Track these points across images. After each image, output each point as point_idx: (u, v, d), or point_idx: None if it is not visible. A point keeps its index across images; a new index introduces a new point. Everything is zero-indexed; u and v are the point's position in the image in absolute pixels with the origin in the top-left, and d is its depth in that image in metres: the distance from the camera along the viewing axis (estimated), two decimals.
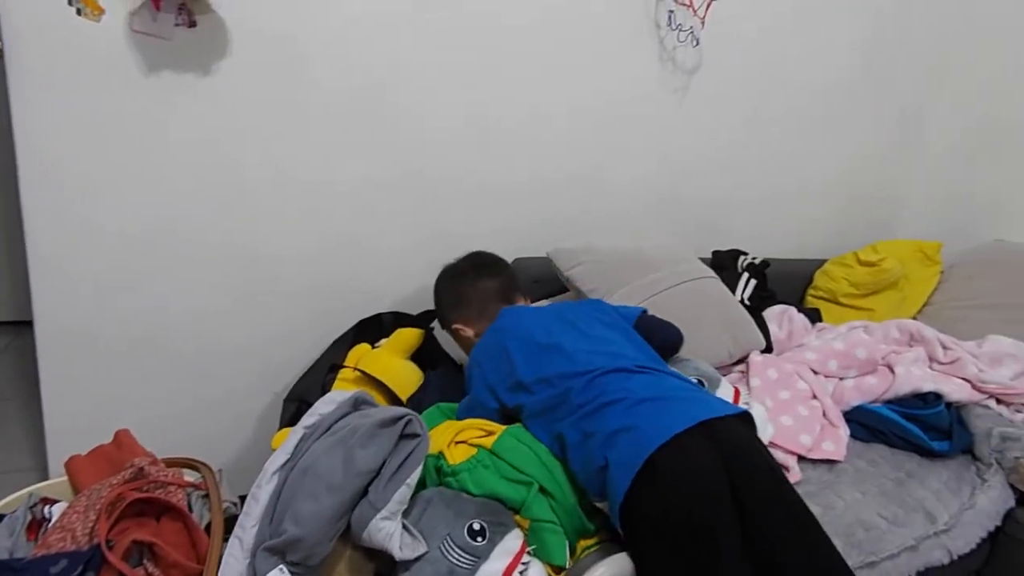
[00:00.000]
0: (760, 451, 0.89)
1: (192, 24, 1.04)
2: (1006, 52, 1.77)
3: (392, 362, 1.26)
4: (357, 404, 0.94)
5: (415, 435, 0.86)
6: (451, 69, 1.32)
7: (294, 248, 1.32)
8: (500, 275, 1.21)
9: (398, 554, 0.80)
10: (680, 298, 1.22)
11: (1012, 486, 1.14)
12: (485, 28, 1.32)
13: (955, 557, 1.05)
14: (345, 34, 1.21)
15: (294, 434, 0.91)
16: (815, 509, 1.03)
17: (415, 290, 1.44)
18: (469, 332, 1.18)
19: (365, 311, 1.37)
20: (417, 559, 0.82)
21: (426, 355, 1.34)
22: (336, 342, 1.35)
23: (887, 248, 1.71)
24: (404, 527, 0.83)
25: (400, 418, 0.86)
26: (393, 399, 1.19)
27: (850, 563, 0.98)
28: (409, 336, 1.30)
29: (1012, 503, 1.13)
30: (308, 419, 0.93)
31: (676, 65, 1.52)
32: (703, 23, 1.46)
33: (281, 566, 0.79)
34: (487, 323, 1.12)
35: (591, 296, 1.27)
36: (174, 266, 1.23)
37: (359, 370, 1.21)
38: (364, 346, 1.32)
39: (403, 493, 0.82)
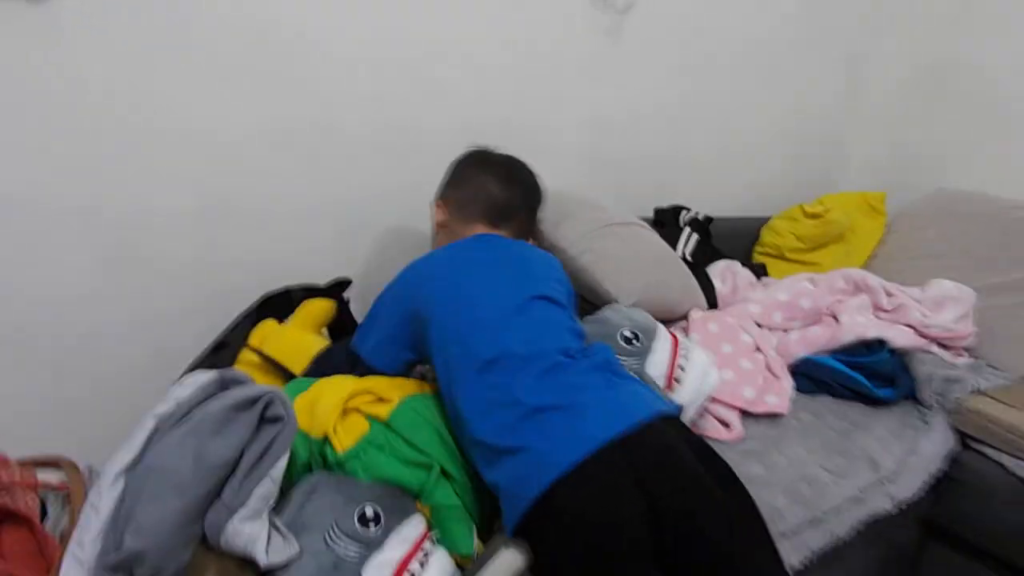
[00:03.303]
0: (684, 464, 0.73)
1: None
2: None
3: (297, 339, 1.17)
4: (225, 384, 0.83)
5: (278, 418, 0.77)
6: (361, 23, 1.20)
7: (176, 215, 1.19)
8: (513, 189, 1.07)
9: (263, 560, 0.71)
10: (614, 240, 1.16)
11: (955, 428, 1.14)
12: None
13: (899, 504, 1.04)
14: None
15: (142, 427, 0.79)
16: (757, 469, 1.02)
17: (326, 261, 1.34)
18: (441, 216, 1.09)
19: (270, 287, 1.27)
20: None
21: (340, 330, 1.25)
22: (237, 320, 1.24)
23: (833, 201, 1.72)
24: (274, 526, 0.74)
25: (258, 399, 0.76)
26: None
27: (794, 520, 0.97)
28: (318, 309, 1.21)
29: (956, 446, 1.13)
30: (160, 408, 0.80)
31: (607, 3, 1.46)
32: None
33: None
34: (461, 227, 1.04)
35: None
36: (23, 242, 1.08)
37: (257, 351, 1.11)
38: (270, 323, 1.22)
39: (266, 488, 0.73)
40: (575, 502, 0.69)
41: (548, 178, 1.54)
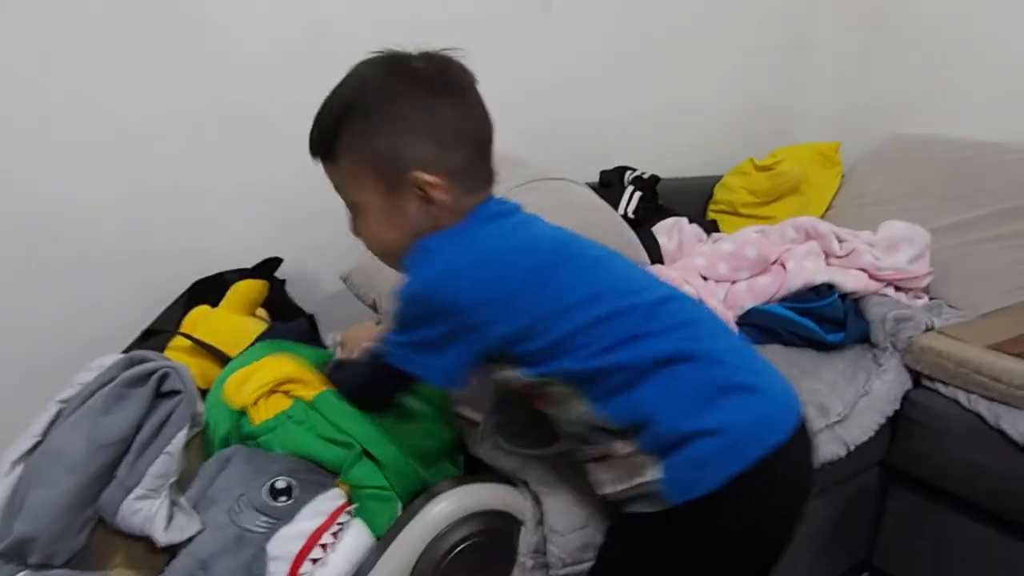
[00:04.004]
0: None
1: None
2: None
3: (229, 321, 1.14)
4: (134, 365, 0.80)
5: (175, 392, 0.74)
6: None
7: (94, 200, 1.16)
8: (480, 111, 0.71)
9: (162, 538, 0.68)
10: (539, 194, 1.12)
11: (908, 368, 1.12)
12: None
13: (852, 448, 1.02)
14: None
15: (45, 412, 0.77)
16: None
17: (259, 244, 1.30)
18: (443, 196, 0.66)
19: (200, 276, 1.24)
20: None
21: (274, 311, 1.22)
22: (167, 308, 1.21)
23: (785, 153, 1.69)
24: (174, 503, 0.72)
25: (152, 373, 0.74)
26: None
27: None
28: (249, 289, 1.17)
29: (909, 385, 1.11)
30: (64, 392, 0.79)
31: None
32: None
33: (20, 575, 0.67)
34: (473, 200, 0.69)
35: None
36: None
37: (187, 336, 1.08)
38: (202, 308, 1.18)
39: (163, 464, 0.70)
40: (762, 491, 0.63)
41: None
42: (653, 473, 0.64)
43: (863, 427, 1.04)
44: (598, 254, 0.73)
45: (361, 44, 1.35)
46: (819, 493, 0.98)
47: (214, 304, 1.19)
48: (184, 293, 1.22)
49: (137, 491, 0.70)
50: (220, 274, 1.25)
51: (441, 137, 0.67)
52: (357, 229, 0.76)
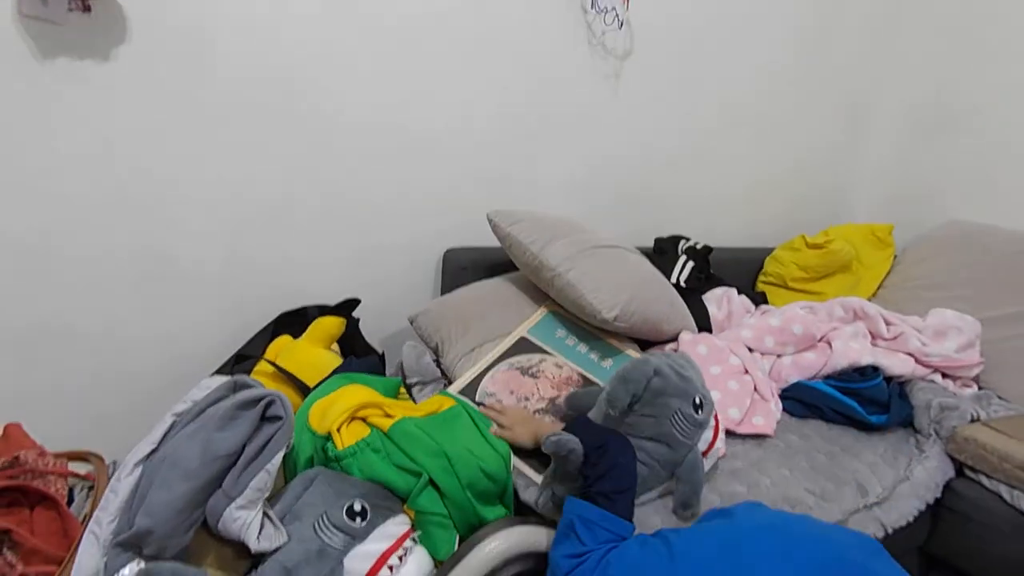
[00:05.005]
0: None
1: (87, 8, 1.06)
2: (947, 29, 1.85)
3: (309, 352, 1.27)
4: (237, 388, 0.94)
5: (277, 417, 0.86)
6: (367, 68, 1.33)
7: (201, 261, 1.32)
8: None
9: (254, 545, 0.79)
10: (600, 259, 1.23)
11: (951, 457, 1.14)
12: (403, 17, 1.34)
13: (889, 531, 1.04)
14: (254, 24, 1.22)
15: (162, 423, 0.91)
16: (740, 488, 1.05)
17: (334, 287, 1.45)
18: None
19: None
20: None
21: (348, 346, 1.36)
22: (255, 335, 1.36)
23: (838, 232, 1.75)
24: (267, 516, 0.83)
25: (261, 399, 0.86)
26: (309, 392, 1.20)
27: None
28: (328, 325, 1.32)
29: (951, 473, 1.13)
30: (179, 406, 0.92)
31: (607, 51, 1.58)
32: (627, 3, 1.52)
33: (131, 564, 0.78)
34: None
35: (527, 250, 1.22)
36: (67, 269, 1.21)
37: (271, 363, 1.22)
38: (285, 338, 1.33)
39: (262, 480, 0.82)
40: None
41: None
42: None
43: (902, 511, 1.06)
44: None
45: (440, 141, 1.49)
46: None
47: (296, 335, 1.34)
48: (270, 323, 1.38)
49: (239, 501, 0.82)
50: (304, 308, 1.41)
51: None
52: None
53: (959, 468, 1.13)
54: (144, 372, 1.35)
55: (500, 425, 1.02)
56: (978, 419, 1.17)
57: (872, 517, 1.04)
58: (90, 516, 0.90)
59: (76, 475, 0.98)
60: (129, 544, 0.80)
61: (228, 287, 1.38)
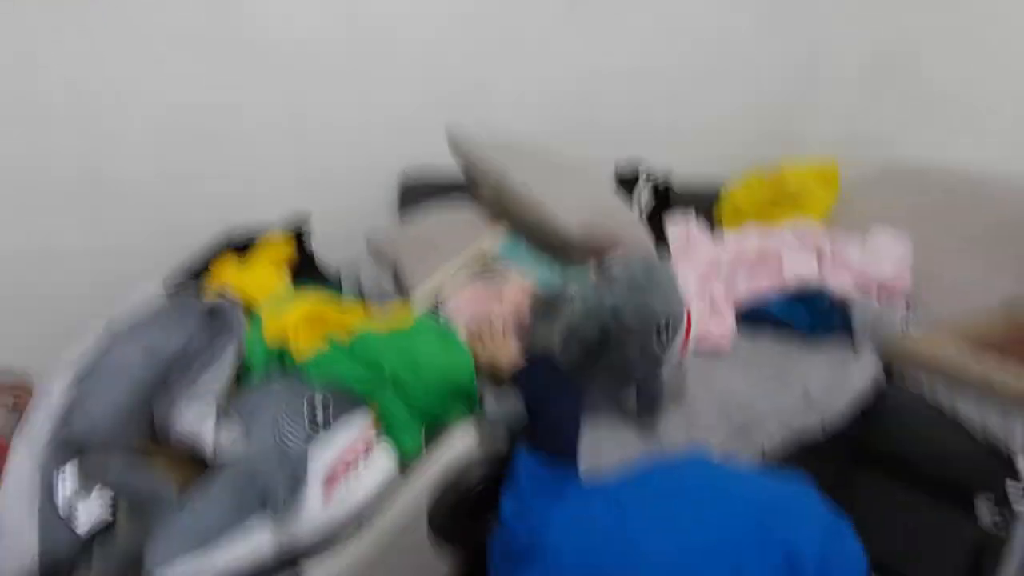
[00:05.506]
0: None
1: None
2: None
3: (257, 274, 1.22)
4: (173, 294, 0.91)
5: (224, 315, 0.84)
6: None
7: (137, 180, 1.25)
8: None
9: (209, 441, 0.77)
10: (560, 173, 1.23)
11: (884, 363, 1.24)
12: None
13: (826, 425, 1.13)
14: None
15: (93, 330, 0.86)
16: (692, 390, 1.11)
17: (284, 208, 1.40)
18: None
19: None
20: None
21: (301, 270, 1.32)
22: (198, 256, 1.30)
23: (789, 169, 1.83)
24: (221, 415, 0.80)
25: (204, 297, 0.84)
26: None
27: (723, 435, 1.06)
28: (279, 244, 1.28)
29: (882, 376, 1.23)
30: (112, 314, 0.88)
31: None
32: None
33: (70, 465, 0.75)
34: None
35: (487, 168, 1.19)
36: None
37: (219, 284, 1.18)
38: (231, 260, 1.28)
39: (214, 378, 0.80)
40: None
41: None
42: None
43: (838, 408, 1.15)
44: None
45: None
46: (792, 468, 1.09)
47: (242, 254, 1.29)
48: (214, 245, 1.32)
49: (188, 400, 0.79)
50: (250, 230, 1.35)
51: None
52: None
53: (889, 372, 1.23)
54: (78, 293, 1.27)
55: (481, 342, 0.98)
56: (908, 330, 1.27)
57: (812, 412, 1.13)
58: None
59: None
60: (70, 444, 0.76)
61: (167, 206, 1.32)
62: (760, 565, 0.69)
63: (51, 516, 0.72)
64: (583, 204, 1.17)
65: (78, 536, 0.72)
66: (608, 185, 1.33)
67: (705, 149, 1.89)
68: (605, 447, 0.96)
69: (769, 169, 1.84)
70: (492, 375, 0.95)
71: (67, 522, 0.72)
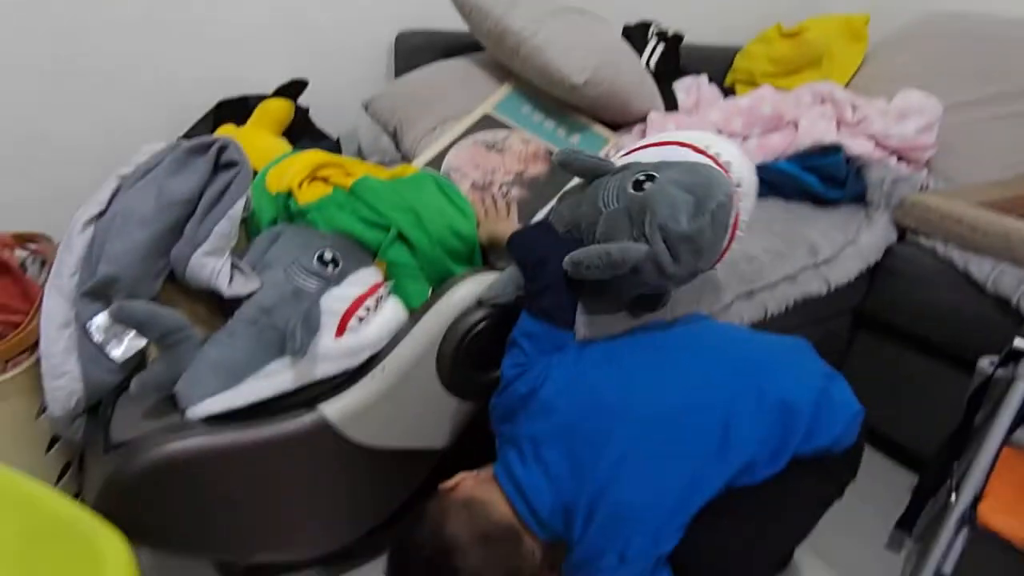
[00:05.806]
0: None
1: None
2: None
3: (256, 139, 1.19)
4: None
5: (233, 163, 0.82)
6: None
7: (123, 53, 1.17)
8: None
9: (226, 290, 0.79)
10: (568, 22, 1.14)
11: (897, 225, 1.21)
12: None
13: (832, 288, 1.14)
14: None
15: (106, 185, 0.85)
16: None
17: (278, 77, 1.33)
18: None
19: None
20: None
21: (299, 136, 1.28)
22: (194, 124, 1.26)
23: (813, 23, 1.68)
24: (236, 266, 0.81)
25: (212, 143, 0.81)
26: None
27: (731, 293, 1.07)
28: (275, 108, 1.22)
29: (894, 239, 1.21)
30: (123, 169, 0.87)
31: None
32: None
33: (102, 313, 0.77)
34: None
35: (488, 14, 1.10)
36: None
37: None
38: (228, 127, 1.24)
39: (225, 226, 0.79)
40: None
41: None
42: None
43: (846, 271, 1.15)
44: None
45: None
46: (795, 329, 1.11)
47: (238, 123, 1.24)
48: (209, 113, 1.27)
49: (204, 247, 0.80)
50: (244, 97, 1.29)
51: None
52: None
53: (902, 234, 1.21)
54: (78, 173, 1.24)
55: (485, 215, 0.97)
56: (925, 189, 1.23)
57: (819, 275, 1.13)
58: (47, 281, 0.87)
59: (25, 247, 0.94)
60: (97, 293, 0.78)
61: (158, 74, 1.25)
62: (755, 419, 0.73)
63: (92, 354, 0.77)
64: (588, 51, 1.09)
65: (116, 366, 0.78)
66: (614, 31, 1.22)
67: (720, 15, 1.73)
68: (601, 320, 0.96)
69: (792, 25, 1.69)
70: (492, 249, 0.94)
71: (105, 357, 0.77)
